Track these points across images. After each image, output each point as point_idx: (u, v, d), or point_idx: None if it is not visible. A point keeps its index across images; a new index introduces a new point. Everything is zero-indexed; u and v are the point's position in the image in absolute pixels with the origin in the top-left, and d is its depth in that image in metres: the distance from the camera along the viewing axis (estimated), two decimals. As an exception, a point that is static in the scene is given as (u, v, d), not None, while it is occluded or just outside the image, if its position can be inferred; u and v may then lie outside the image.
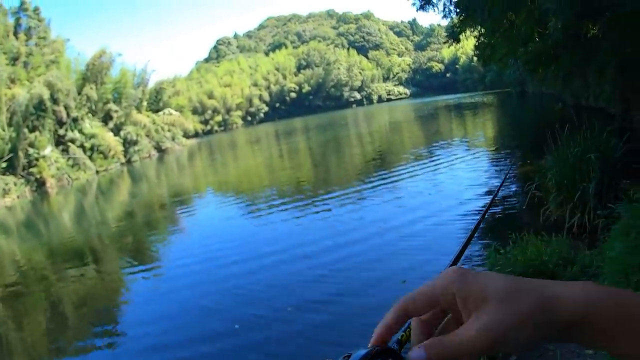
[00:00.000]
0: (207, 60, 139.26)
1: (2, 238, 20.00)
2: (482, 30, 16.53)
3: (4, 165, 37.03)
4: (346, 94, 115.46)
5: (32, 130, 41.14)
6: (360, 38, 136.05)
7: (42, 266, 13.83)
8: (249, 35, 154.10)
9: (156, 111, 65.12)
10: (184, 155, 50.81)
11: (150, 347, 6.88)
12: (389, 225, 10.28)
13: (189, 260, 10.63)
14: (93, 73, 52.04)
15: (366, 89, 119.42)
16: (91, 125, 48.43)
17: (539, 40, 13.96)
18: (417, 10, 15.67)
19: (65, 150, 43.55)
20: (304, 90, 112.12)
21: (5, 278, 12.75)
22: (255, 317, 6.97)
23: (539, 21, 12.40)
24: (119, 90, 56.50)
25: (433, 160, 18.08)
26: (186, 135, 68.39)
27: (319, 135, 45.32)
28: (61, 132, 44.19)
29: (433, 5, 15.04)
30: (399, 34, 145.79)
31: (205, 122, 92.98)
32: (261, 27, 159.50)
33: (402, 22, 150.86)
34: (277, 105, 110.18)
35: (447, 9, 15.30)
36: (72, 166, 42.86)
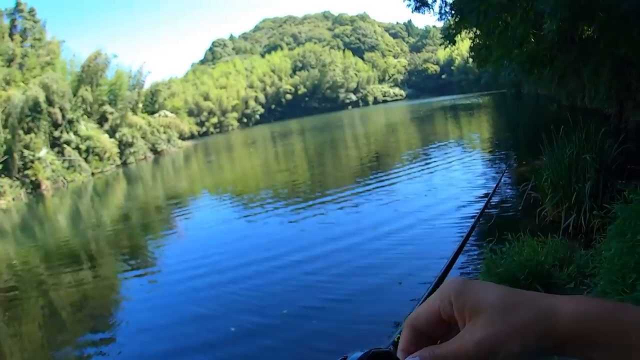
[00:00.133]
0: (202, 62, 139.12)
1: (-3, 240, 19.94)
2: (478, 31, 16.57)
3: (-1, 167, 36.94)
4: (342, 96, 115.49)
5: (28, 132, 41.01)
6: (355, 39, 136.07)
7: (37, 269, 13.77)
8: (244, 36, 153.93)
9: (152, 113, 64.97)
10: (179, 157, 50.74)
11: (145, 353, 6.86)
12: (384, 229, 10.26)
13: (184, 264, 10.58)
14: (88, 75, 51.92)
15: (362, 90, 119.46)
16: (86, 127, 48.31)
17: (534, 41, 14.00)
18: (412, 12, 15.67)
19: (61, 152, 43.41)
20: (299, 92, 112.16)
21: (0, 282, 12.69)
22: (251, 323, 6.94)
23: (534, 23, 12.42)
24: (115, 92, 56.40)
25: (429, 162, 18.12)
26: (182, 137, 68.23)
27: (315, 137, 45.37)
28: (56, 134, 44.03)
29: (429, 7, 15.05)
30: (394, 35, 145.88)
31: (201, 124, 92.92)
32: (257, 28, 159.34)
33: (397, 23, 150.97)
34: (273, 107, 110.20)
35: (442, 11, 15.31)
36: (68, 168, 42.74)
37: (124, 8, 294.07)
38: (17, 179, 37.96)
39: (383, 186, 14.97)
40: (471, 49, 19.38)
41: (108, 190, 33.88)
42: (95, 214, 23.22)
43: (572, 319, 0.51)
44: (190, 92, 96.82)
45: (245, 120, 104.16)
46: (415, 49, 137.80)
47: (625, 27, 10.13)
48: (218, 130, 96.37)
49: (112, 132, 52.08)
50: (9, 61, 45.99)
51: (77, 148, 45.31)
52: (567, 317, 0.51)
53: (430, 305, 0.57)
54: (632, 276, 3.84)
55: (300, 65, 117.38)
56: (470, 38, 17.77)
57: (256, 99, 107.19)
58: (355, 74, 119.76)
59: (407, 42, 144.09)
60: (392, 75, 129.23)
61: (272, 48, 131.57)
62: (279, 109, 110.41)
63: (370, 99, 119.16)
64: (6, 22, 49.50)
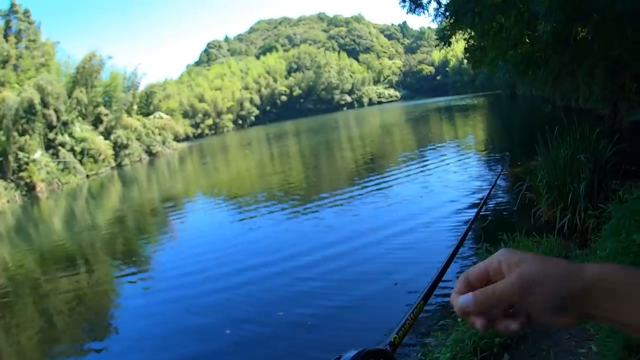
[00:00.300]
0: (197, 63, 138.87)
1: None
2: (472, 33, 16.59)
3: (-7, 169, 36.83)
4: (337, 97, 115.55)
5: (22, 134, 40.89)
6: (350, 41, 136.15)
7: (31, 272, 13.70)
8: (239, 38, 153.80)
9: (147, 115, 64.79)
10: (174, 159, 50.63)
11: (140, 356, 6.85)
12: (379, 231, 10.22)
13: (179, 270, 10.45)
14: (83, 76, 51.76)
15: (357, 91, 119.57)
16: (81, 128, 48.18)
17: (529, 43, 14.03)
18: (407, 13, 15.65)
19: (56, 154, 43.30)
20: (294, 94, 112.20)
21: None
22: (245, 327, 6.91)
23: (528, 24, 12.44)
24: (110, 93, 56.27)
25: (424, 163, 18.15)
26: (177, 139, 68.03)
27: (310, 138, 45.35)
28: (51, 135, 43.91)
29: (423, 8, 15.04)
30: (389, 36, 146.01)
31: (196, 126, 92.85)
32: (252, 30, 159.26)
33: (392, 25, 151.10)
34: (268, 108, 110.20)
35: (438, 12, 15.32)
36: (62, 170, 42.62)
37: (118, 9, 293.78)
38: (12, 181, 37.83)
39: (378, 188, 14.96)
40: (466, 50, 19.36)
41: (103, 193, 33.76)
42: (90, 217, 23.13)
43: (597, 269, 0.64)
44: (185, 94, 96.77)
45: (240, 121, 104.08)
46: (410, 50, 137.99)
47: (620, 28, 10.15)
48: (213, 131, 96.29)
49: (107, 134, 51.94)
50: (4, 62, 45.79)
51: (72, 150, 45.19)
52: (594, 268, 0.64)
53: (484, 263, 0.71)
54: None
55: (295, 66, 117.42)
56: (464, 39, 17.78)
57: (251, 101, 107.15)
58: (350, 76, 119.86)
59: (402, 44, 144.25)
60: (387, 76, 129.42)
61: (267, 49, 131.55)
62: (274, 110, 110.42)
63: (365, 100, 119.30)
64: (1, 23, 49.34)
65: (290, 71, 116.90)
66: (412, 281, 7.16)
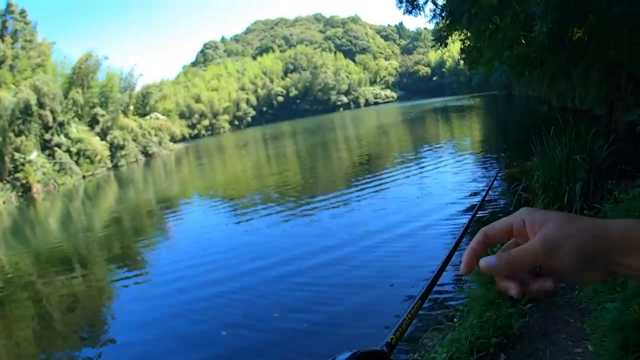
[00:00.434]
0: (194, 64, 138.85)
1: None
2: (468, 34, 16.61)
3: (-12, 170, 36.74)
4: (333, 98, 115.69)
5: (18, 134, 40.83)
6: (347, 42, 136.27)
7: (28, 274, 13.66)
8: (236, 39, 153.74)
9: (143, 115, 64.73)
10: (171, 160, 50.58)
11: (136, 357, 6.84)
12: (376, 233, 10.19)
13: (175, 269, 10.45)
14: (79, 77, 51.68)
15: (353, 92, 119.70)
16: (77, 129, 48.11)
17: (525, 43, 14.06)
18: (403, 14, 15.69)
19: (52, 155, 43.22)
20: (291, 94, 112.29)
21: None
22: (241, 331, 6.87)
23: (524, 25, 12.46)
24: (106, 94, 56.20)
25: (420, 164, 18.16)
26: (173, 140, 67.96)
27: (307, 139, 45.37)
28: (47, 136, 43.85)
29: (420, 9, 15.06)
30: (385, 37, 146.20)
31: (193, 127, 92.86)
32: (249, 30, 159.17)
33: (389, 25, 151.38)
34: (265, 109, 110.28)
35: (434, 13, 15.34)
36: (59, 171, 42.55)
37: (115, 10, 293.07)
38: (8, 182, 37.76)
39: (374, 188, 14.95)
40: (462, 51, 19.38)
41: (99, 194, 33.72)
42: (86, 218, 23.10)
43: (621, 225, 0.62)
44: (181, 95, 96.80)
45: (236, 122, 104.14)
46: (407, 51, 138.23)
47: (616, 29, 10.17)
48: (209, 132, 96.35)
49: (103, 135, 51.88)
50: (0, 63, 45.72)
51: (68, 151, 45.13)
52: (618, 224, 0.63)
53: (505, 220, 0.70)
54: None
55: (291, 67, 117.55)
56: (461, 40, 17.79)
57: (248, 101, 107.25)
58: (347, 76, 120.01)
59: (399, 45, 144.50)
60: (384, 77, 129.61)
61: (263, 50, 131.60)
62: (270, 111, 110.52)
63: (362, 101, 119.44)
64: (-3, 23, 49.28)
65: (286, 72, 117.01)
66: (409, 284, 7.14)
